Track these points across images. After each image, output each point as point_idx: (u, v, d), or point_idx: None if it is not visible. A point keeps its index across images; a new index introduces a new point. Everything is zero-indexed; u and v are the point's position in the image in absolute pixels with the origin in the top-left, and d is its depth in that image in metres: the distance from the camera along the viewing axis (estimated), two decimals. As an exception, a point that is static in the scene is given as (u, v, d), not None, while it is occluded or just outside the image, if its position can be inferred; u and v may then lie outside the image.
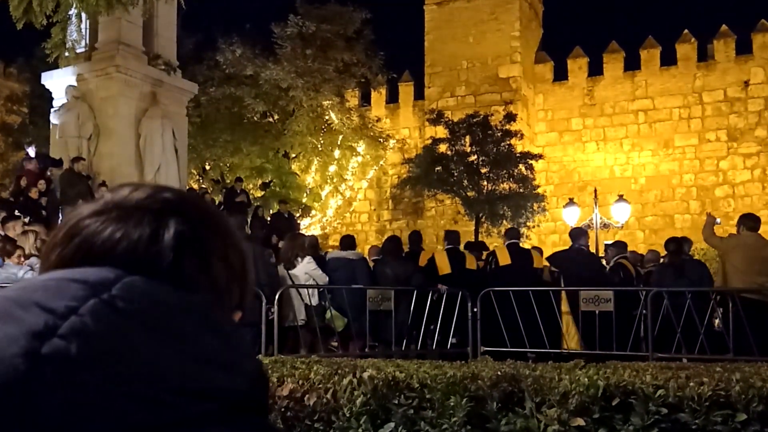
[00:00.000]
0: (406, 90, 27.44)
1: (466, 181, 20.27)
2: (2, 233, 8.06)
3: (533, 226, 20.62)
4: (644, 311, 7.82)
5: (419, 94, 26.96)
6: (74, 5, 9.29)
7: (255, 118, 21.80)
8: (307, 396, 3.20)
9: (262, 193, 21.27)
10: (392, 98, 27.42)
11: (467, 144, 20.49)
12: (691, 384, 2.67)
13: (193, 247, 0.69)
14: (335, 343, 8.25)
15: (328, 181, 22.86)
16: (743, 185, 23.57)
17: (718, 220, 9.78)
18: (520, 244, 9.84)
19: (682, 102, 24.32)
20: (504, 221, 19.83)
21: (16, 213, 9.82)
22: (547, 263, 9.56)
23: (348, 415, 3.03)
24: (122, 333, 0.58)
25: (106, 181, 11.54)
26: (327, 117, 22.19)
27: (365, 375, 3.13)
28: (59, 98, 12.78)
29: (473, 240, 15.01)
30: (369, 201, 27.22)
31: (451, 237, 9.60)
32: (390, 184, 26.09)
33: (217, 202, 15.91)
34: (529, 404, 2.83)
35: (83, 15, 9.86)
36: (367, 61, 22.10)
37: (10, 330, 0.57)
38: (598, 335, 7.85)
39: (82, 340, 0.57)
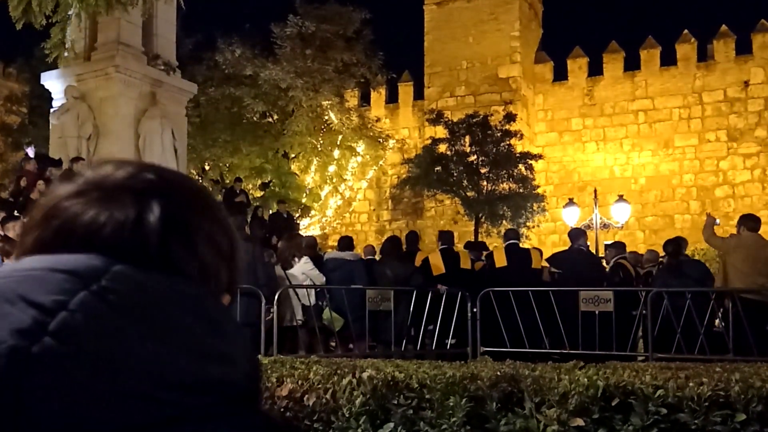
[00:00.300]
0: (405, 90, 27.44)
1: (465, 182, 20.26)
2: (2, 233, 8.06)
3: (533, 227, 20.61)
4: (644, 311, 7.82)
5: (419, 94, 26.96)
6: (74, 5, 9.28)
7: (254, 119, 21.79)
8: (306, 396, 3.19)
9: (262, 193, 21.26)
10: (392, 98, 27.42)
11: (467, 144, 20.49)
12: (691, 384, 2.67)
13: (179, 229, 0.66)
14: (333, 344, 8.25)
15: (328, 181, 22.85)
16: (743, 185, 23.57)
17: (718, 220, 9.78)
18: (520, 245, 9.82)
19: (682, 102, 24.32)
20: (504, 221, 19.82)
21: (16, 213, 9.80)
22: (546, 264, 9.56)
23: (347, 416, 3.02)
24: (114, 328, 0.56)
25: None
26: (326, 117, 22.18)
27: (364, 375, 3.13)
28: (58, 98, 12.77)
29: (473, 240, 15.00)
30: (368, 201, 27.21)
31: (445, 237, 9.60)
32: (389, 184, 26.09)
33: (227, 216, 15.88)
34: (529, 404, 2.83)
35: (82, 15, 9.84)
36: (367, 61, 22.09)
37: None
38: (598, 336, 7.85)
39: (74, 338, 0.54)
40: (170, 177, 0.71)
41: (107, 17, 11.10)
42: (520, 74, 25.20)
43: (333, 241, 21.87)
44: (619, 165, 25.01)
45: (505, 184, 20.12)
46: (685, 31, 24.62)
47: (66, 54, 10.66)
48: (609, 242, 11.89)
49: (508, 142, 20.28)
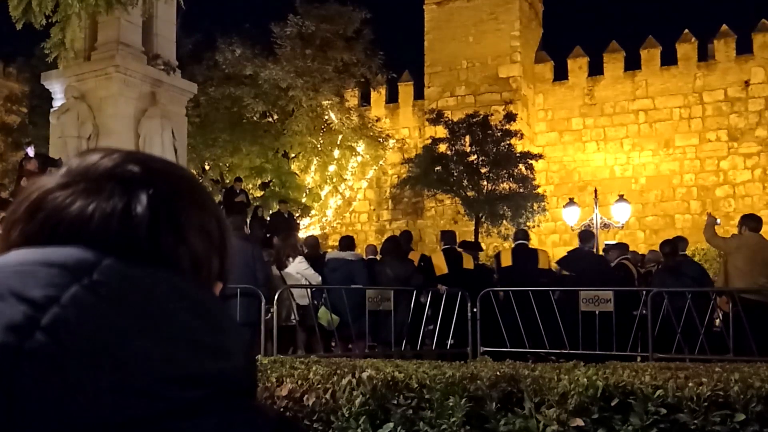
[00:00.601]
0: (405, 90, 27.43)
1: (465, 181, 20.26)
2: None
3: (533, 226, 20.61)
4: (644, 311, 7.82)
5: (419, 94, 26.95)
6: (74, 5, 9.27)
7: (254, 118, 21.78)
8: (306, 396, 3.19)
9: (262, 193, 21.26)
10: (392, 98, 27.41)
11: (467, 144, 20.48)
12: (690, 384, 2.66)
13: (168, 219, 0.66)
14: (334, 344, 8.25)
15: (328, 181, 22.84)
16: (744, 185, 23.56)
17: (719, 220, 9.77)
18: (528, 245, 9.77)
19: (683, 102, 24.31)
20: (504, 221, 19.82)
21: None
22: (556, 266, 9.55)
23: (347, 415, 3.02)
24: (106, 323, 0.56)
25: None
26: (326, 117, 22.18)
27: (364, 375, 3.13)
28: (58, 98, 12.77)
29: (472, 240, 14.99)
30: (368, 201, 27.21)
31: (447, 237, 9.58)
32: (390, 184, 26.09)
33: (216, 202, 15.89)
34: (528, 404, 2.82)
35: (83, 15, 9.83)
36: (367, 61, 22.09)
37: None
38: (598, 336, 7.85)
39: (66, 334, 0.54)
40: (157, 165, 0.70)
41: (107, 17, 11.10)
42: (521, 74, 25.20)
43: (333, 241, 21.87)
44: (619, 165, 25.00)
45: (505, 183, 20.11)
46: (686, 30, 24.62)
47: (66, 54, 10.64)
48: (611, 242, 11.89)
49: (508, 142, 20.27)
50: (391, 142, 24.82)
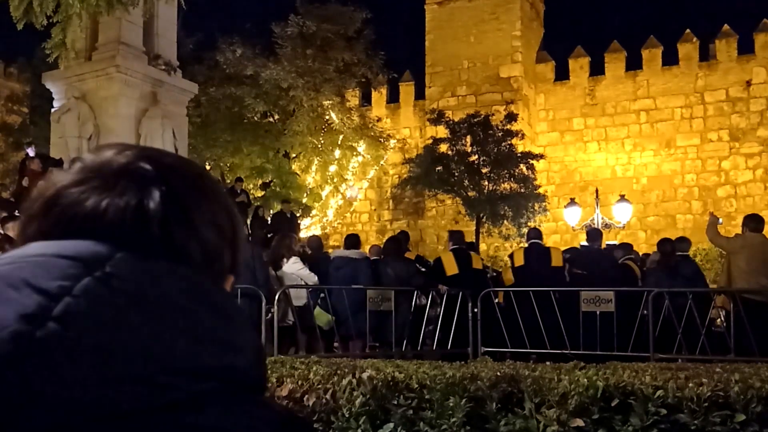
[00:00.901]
0: (406, 90, 27.43)
1: (467, 181, 20.25)
2: (3, 233, 8.07)
3: (535, 227, 20.59)
4: (645, 312, 7.82)
5: (420, 94, 26.95)
6: (75, 5, 9.27)
7: (255, 118, 21.80)
8: (306, 396, 3.19)
9: (263, 193, 21.27)
10: (393, 98, 27.41)
11: (468, 144, 20.47)
12: (690, 385, 2.66)
13: (180, 213, 0.67)
14: (336, 344, 8.25)
15: (329, 181, 22.85)
16: (745, 185, 23.55)
17: (721, 219, 9.76)
18: (542, 244, 9.76)
19: (684, 102, 24.29)
20: (505, 221, 19.82)
21: (17, 213, 9.81)
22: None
23: (347, 416, 3.02)
24: (118, 314, 0.57)
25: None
26: (327, 117, 22.19)
27: (364, 375, 3.12)
28: (59, 98, 12.78)
29: (473, 240, 14.99)
30: (369, 201, 27.21)
31: (456, 237, 9.56)
32: (390, 184, 26.08)
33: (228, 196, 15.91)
34: (529, 405, 2.82)
35: (83, 15, 9.83)
36: (368, 61, 22.09)
37: (1, 312, 0.55)
38: (599, 336, 7.84)
39: (77, 323, 0.55)
40: (169, 161, 0.71)
41: (108, 17, 11.10)
42: (522, 74, 25.19)
43: (334, 241, 21.90)
44: (620, 165, 24.99)
45: (506, 183, 20.11)
46: (687, 30, 24.60)
47: (67, 54, 10.65)
48: (613, 242, 11.90)
49: (509, 142, 20.27)
50: (392, 142, 24.83)
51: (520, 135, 20.59)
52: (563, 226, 22.86)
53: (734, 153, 23.75)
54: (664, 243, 9.17)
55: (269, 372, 3.43)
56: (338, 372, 3.26)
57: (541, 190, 20.93)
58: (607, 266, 9.14)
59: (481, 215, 20.01)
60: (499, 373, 3.00)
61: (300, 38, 21.65)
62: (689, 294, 7.72)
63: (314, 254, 9.53)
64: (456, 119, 21.11)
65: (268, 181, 21.61)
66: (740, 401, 2.59)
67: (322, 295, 8.19)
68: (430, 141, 21.41)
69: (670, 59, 24.60)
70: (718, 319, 8.29)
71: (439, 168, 20.39)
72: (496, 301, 8.69)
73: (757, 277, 7.83)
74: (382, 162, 24.81)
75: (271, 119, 22.42)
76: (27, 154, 13.21)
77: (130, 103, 12.42)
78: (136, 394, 0.55)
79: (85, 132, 12.31)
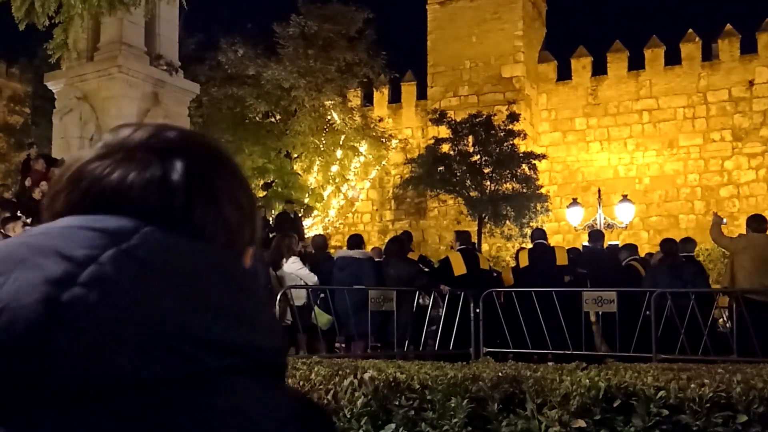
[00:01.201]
0: (408, 90, 27.40)
1: (468, 182, 20.23)
2: (4, 233, 8.07)
3: (537, 227, 20.57)
4: (647, 312, 7.80)
5: (422, 94, 26.92)
6: (76, 6, 9.28)
7: (257, 119, 21.80)
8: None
9: (264, 193, 21.27)
10: (395, 98, 27.39)
11: (470, 144, 20.45)
12: (692, 385, 2.65)
13: (203, 187, 0.69)
14: (338, 344, 8.25)
15: (330, 181, 22.85)
16: (748, 185, 23.50)
17: (725, 220, 9.74)
18: (547, 243, 9.75)
19: (687, 102, 24.25)
20: (507, 222, 19.79)
21: (18, 213, 9.82)
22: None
23: (349, 416, 3.02)
24: (141, 283, 0.58)
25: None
26: (329, 117, 22.18)
27: (366, 376, 3.12)
28: (61, 99, 12.79)
29: (475, 241, 14.97)
30: (371, 201, 27.20)
31: (463, 237, 9.54)
32: (392, 184, 26.06)
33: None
34: (530, 405, 2.82)
35: (85, 16, 9.84)
36: (370, 61, 22.08)
37: (30, 277, 0.57)
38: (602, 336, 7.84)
39: (102, 288, 0.57)
40: (190, 136, 0.73)
41: (110, 18, 11.11)
42: (524, 74, 25.16)
43: (336, 242, 21.89)
44: (623, 165, 24.95)
45: (508, 184, 20.08)
46: (690, 30, 24.56)
47: (69, 54, 10.65)
48: (615, 242, 11.91)
49: (511, 142, 20.24)
50: (394, 142, 24.81)
51: (522, 135, 20.56)
52: (565, 226, 22.83)
53: (737, 153, 23.71)
54: (667, 243, 9.15)
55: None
56: (340, 372, 3.25)
57: (543, 191, 20.90)
58: (608, 267, 9.14)
59: (483, 215, 19.99)
60: (500, 374, 3.00)
61: (302, 38, 21.65)
62: (692, 294, 7.70)
63: (317, 254, 9.51)
64: (458, 119, 21.09)
65: (269, 181, 21.60)
66: (742, 402, 2.58)
67: (322, 295, 8.17)
68: (432, 141, 21.39)
69: (673, 59, 24.56)
70: (720, 320, 8.27)
71: (441, 168, 20.36)
72: (500, 301, 8.68)
73: (761, 278, 7.81)
74: (383, 162, 24.79)
75: (272, 119, 22.42)
76: (29, 155, 13.23)
77: (132, 104, 12.43)
78: (156, 362, 0.56)
79: (87, 132, 12.32)
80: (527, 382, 2.92)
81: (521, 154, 20.27)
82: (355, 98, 24.40)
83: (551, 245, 10.05)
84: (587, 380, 2.76)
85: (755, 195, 23.27)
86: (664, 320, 7.64)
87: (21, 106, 25.32)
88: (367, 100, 26.64)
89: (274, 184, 21.55)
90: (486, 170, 20.19)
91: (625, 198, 19.90)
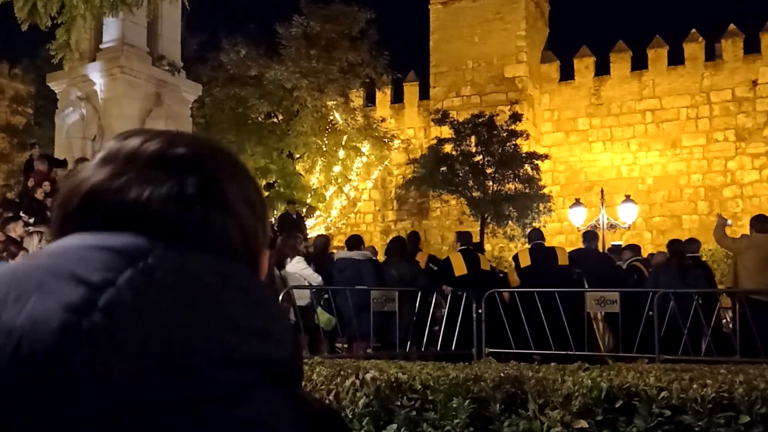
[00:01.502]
0: (411, 90, 27.40)
1: (471, 182, 20.22)
2: (6, 235, 8.08)
3: (539, 227, 20.55)
4: (650, 312, 7.78)
5: (424, 94, 26.92)
6: (79, 7, 9.29)
7: (259, 119, 21.81)
8: (308, 397, 3.18)
9: (267, 193, 21.28)
10: (397, 98, 27.39)
11: (472, 144, 20.45)
12: (695, 386, 2.64)
13: (219, 198, 0.68)
14: (339, 345, 8.24)
15: (333, 181, 22.85)
16: (751, 185, 23.46)
17: (729, 221, 9.72)
18: (545, 244, 9.74)
19: (690, 102, 24.22)
20: (509, 222, 19.79)
21: (21, 213, 9.84)
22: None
23: (350, 417, 3.01)
24: (160, 305, 0.58)
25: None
26: (331, 117, 22.19)
27: (368, 376, 3.11)
28: (64, 99, 12.81)
29: (478, 241, 14.96)
30: (373, 201, 27.20)
31: (464, 238, 9.54)
32: (395, 184, 26.07)
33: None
34: (532, 406, 2.81)
35: (88, 16, 9.85)
36: (372, 61, 22.09)
37: (48, 303, 0.57)
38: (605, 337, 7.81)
39: (121, 314, 0.57)
40: (201, 143, 0.73)
41: (112, 18, 11.12)
42: (527, 74, 25.15)
43: (338, 242, 21.86)
44: (626, 165, 24.92)
45: (511, 184, 20.08)
46: (693, 30, 24.53)
47: (71, 55, 10.67)
48: (618, 243, 11.88)
49: (514, 142, 20.23)
50: (396, 142, 24.81)
51: (524, 135, 20.55)
52: (568, 226, 22.81)
53: (740, 153, 23.67)
54: (674, 244, 9.12)
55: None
56: (341, 373, 3.25)
57: (545, 191, 20.88)
58: (604, 267, 9.13)
59: (486, 216, 19.98)
60: (502, 374, 2.99)
61: (304, 39, 21.66)
62: (695, 295, 7.68)
63: (318, 254, 9.50)
64: (460, 119, 21.09)
65: (272, 181, 21.62)
66: (744, 402, 2.57)
67: (326, 296, 8.16)
68: (435, 141, 21.39)
69: (676, 59, 24.53)
70: (724, 320, 8.25)
71: (443, 168, 20.36)
72: (505, 302, 8.65)
73: (764, 278, 7.80)
74: (386, 162, 24.80)
75: (275, 120, 22.43)
76: (31, 156, 13.25)
77: (134, 104, 12.44)
78: (180, 384, 0.56)
79: (89, 133, 12.33)
80: (529, 382, 2.91)
81: (524, 155, 20.26)
82: (357, 98, 24.41)
83: (551, 246, 10.06)
84: (589, 381, 2.76)
85: (759, 195, 23.23)
86: (667, 321, 7.62)
87: (24, 106, 25.37)
88: (370, 100, 26.65)
89: (276, 184, 21.56)
90: (488, 170, 20.19)
91: (628, 198, 19.87)
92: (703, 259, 11.69)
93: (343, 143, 22.49)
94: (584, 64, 25.63)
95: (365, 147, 23.06)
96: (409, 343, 8.22)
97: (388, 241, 10.28)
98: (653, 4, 63.04)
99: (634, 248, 10.36)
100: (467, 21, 25.55)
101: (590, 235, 10.01)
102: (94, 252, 0.61)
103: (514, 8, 25.17)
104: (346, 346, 8.35)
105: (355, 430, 3.02)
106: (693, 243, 9.29)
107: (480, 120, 20.50)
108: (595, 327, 8.56)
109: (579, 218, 20.01)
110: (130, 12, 10.49)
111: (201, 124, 19.22)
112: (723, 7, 56.46)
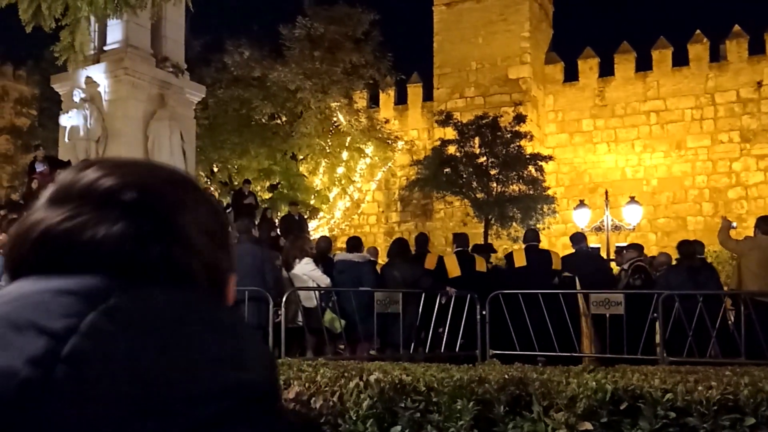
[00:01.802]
0: (414, 91, 27.41)
1: (475, 183, 20.22)
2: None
3: (543, 228, 20.52)
4: (655, 314, 7.76)
5: (428, 96, 26.93)
6: (83, 8, 9.30)
7: (263, 120, 21.83)
8: (313, 399, 3.17)
9: (270, 195, 21.29)
10: (401, 100, 27.40)
11: (476, 145, 20.44)
12: (700, 388, 2.63)
13: (176, 230, 0.67)
14: (342, 346, 8.23)
15: (336, 183, 22.86)
16: (756, 187, 23.40)
17: (734, 223, 9.71)
18: (539, 246, 9.75)
19: (695, 103, 24.17)
20: (513, 223, 19.76)
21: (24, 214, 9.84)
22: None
23: (354, 419, 3.00)
24: (126, 348, 0.57)
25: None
26: (335, 119, 22.19)
27: (372, 378, 3.11)
28: (67, 101, 12.83)
29: (482, 243, 14.95)
30: (377, 203, 27.20)
31: (460, 240, 9.56)
32: (398, 185, 26.06)
33: (225, 204, 15.96)
34: (537, 408, 2.80)
35: (92, 18, 9.87)
36: (376, 63, 22.09)
37: (8, 359, 0.55)
38: (609, 339, 7.79)
39: (86, 363, 0.55)
40: (154, 173, 0.70)
41: (116, 20, 11.14)
42: (530, 75, 25.13)
43: (341, 243, 21.85)
44: (630, 166, 24.88)
45: (515, 185, 20.06)
46: (698, 31, 24.49)
47: (75, 57, 10.68)
48: (623, 244, 11.84)
49: (518, 144, 20.22)
50: (400, 143, 24.82)
51: (528, 136, 20.53)
52: (573, 228, 22.72)
53: (745, 154, 23.61)
54: (684, 245, 9.09)
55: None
56: (345, 374, 3.24)
57: (550, 192, 20.86)
58: (594, 268, 9.12)
59: (490, 217, 19.96)
60: (507, 376, 2.98)
61: (307, 40, 21.67)
62: (700, 297, 7.66)
63: (321, 256, 9.49)
64: (464, 121, 21.08)
65: (275, 183, 21.63)
66: (750, 404, 2.56)
67: (334, 297, 8.15)
68: (438, 143, 21.38)
69: (681, 60, 24.49)
70: (730, 321, 8.23)
71: (447, 170, 20.36)
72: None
73: (768, 279, 7.78)
74: (389, 164, 24.80)
75: (278, 121, 22.44)
76: (35, 157, 13.27)
77: (138, 106, 12.45)
78: (155, 425, 0.55)
79: (93, 134, 12.35)
80: (533, 384, 2.90)
81: (528, 156, 20.24)
82: (361, 100, 24.41)
83: (545, 249, 10.09)
84: (594, 383, 2.75)
85: (763, 197, 23.17)
86: (672, 322, 7.60)
87: (28, 108, 25.44)
88: (373, 101, 26.66)
89: (279, 185, 21.58)
90: (492, 172, 20.18)
91: (632, 200, 19.84)
92: (709, 260, 11.66)
93: (347, 144, 22.49)
94: (588, 66, 25.60)
95: (369, 148, 23.06)
96: (413, 344, 8.21)
97: (390, 242, 10.27)
98: (657, 6, 63.03)
99: (638, 247, 10.30)
100: (471, 22, 25.55)
101: (578, 237, 10.00)
102: (54, 297, 0.59)
103: (518, 9, 25.16)
104: (342, 347, 8.33)
105: (359, 432, 3.01)
106: (697, 245, 9.27)
107: (484, 121, 20.49)
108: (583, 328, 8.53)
109: (583, 220, 19.98)
110: (133, 14, 10.51)
111: (205, 125, 19.24)
112: (728, 8, 56.43)
